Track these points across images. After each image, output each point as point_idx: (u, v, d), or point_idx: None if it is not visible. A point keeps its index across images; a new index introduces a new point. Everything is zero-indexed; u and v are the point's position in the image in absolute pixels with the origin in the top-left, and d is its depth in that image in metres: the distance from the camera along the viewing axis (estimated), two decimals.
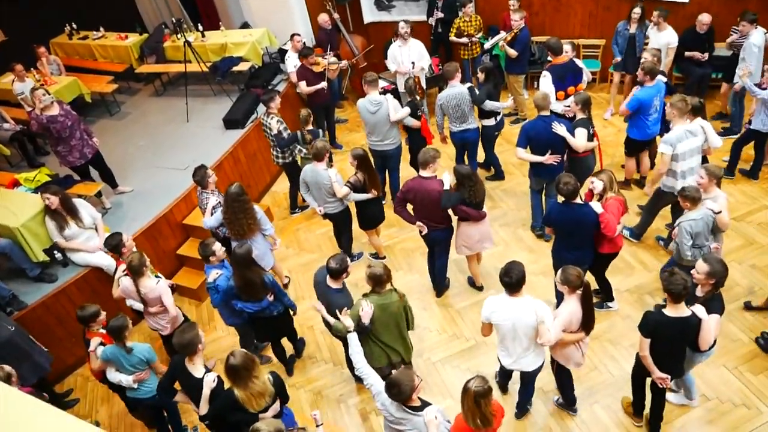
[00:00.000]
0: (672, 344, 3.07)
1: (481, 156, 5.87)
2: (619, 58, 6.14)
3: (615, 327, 4.26)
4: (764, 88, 4.78)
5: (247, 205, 4.22)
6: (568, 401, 3.71)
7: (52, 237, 4.55)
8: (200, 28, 7.61)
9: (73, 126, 5.10)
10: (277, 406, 3.05)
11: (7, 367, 3.31)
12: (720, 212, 3.65)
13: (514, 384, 3.77)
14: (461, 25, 6.69)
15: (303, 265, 5.39)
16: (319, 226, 5.83)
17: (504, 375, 3.78)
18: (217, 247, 3.88)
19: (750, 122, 5.06)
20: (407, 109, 5.21)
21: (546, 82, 5.17)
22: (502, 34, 6.35)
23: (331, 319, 3.32)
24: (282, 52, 7.15)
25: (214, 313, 5.15)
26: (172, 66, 7.55)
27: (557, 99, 5.13)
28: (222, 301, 3.88)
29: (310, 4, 7.60)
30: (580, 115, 4.56)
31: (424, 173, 4.14)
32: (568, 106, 4.89)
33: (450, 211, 4.22)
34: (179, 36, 7.04)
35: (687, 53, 5.94)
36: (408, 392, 2.64)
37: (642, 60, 5.00)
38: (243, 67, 7.05)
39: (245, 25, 8.03)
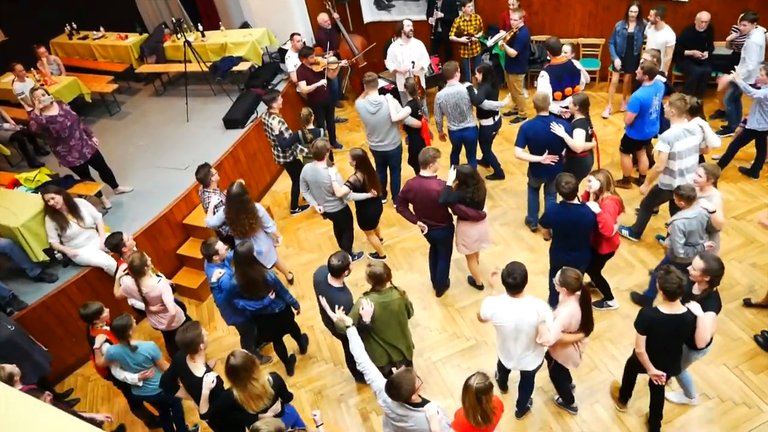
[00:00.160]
0: (667, 341, 3.08)
1: (479, 154, 5.88)
2: (618, 62, 6.12)
3: (615, 326, 4.26)
4: (758, 88, 4.79)
5: (249, 204, 4.24)
6: (566, 399, 3.71)
7: (48, 238, 4.54)
8: (200, 27, 7.61)
9: (72, 126, 5.10)
10: (277, 406, 3.06)
11: (9, 367, 3.32)
12: (714, 211, 3.66)
13: (514, 383, 3.77)
14: (461, 25, 6.69)
15: (303, 265, 5.39)
16: (320, 226, 5.83)
17: (503, 370, 3.79)
18: (220, 246, 3.91)
19: (745, 122, 5.07)
20: (408, 109, 5.21)
21: (543, 82, 5.18)
22: (502, 33, 6.35)
23: (333, 315, 3.32)
24: (282, 52, 7.15)
25: (215, 312, 5.16)
26: (172, 66, 7.55)
27: (554, 99, 5.13)
28: (225, 300, 3.90)
29: (309, 3, 7.60)
30: (578, 116, 4.56)
31: (424, 173, 4.15)
32: (565, 107, 4.89)
33: (449, 210, 4.23)
34: (179, 36, 7.04)
35: (687, 52, 5.94)
36: (407, 394, 2.65)
37: (642, 60, 5.00)
38: (243, 66, 7.06)
39: (245, 25, 8.03)
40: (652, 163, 5.32)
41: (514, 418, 3.78)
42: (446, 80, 5.17)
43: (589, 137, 4.56)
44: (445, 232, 4.33)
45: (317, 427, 2.93)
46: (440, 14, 6.92)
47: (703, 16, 5.71)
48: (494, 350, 3.61)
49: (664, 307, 2.99)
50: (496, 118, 5.46)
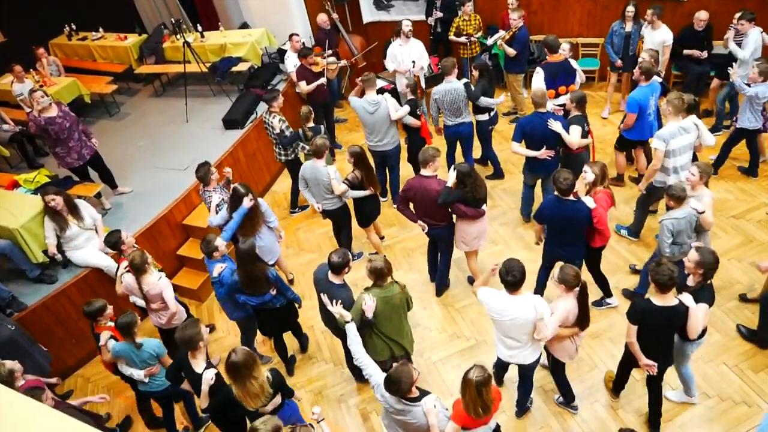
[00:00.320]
0: (659, 332, 3.12)
1: (477, 153, 5.90)
2: (619, 62, 6.12)
3: (615, 326, 4.26)
4: (750, 86, 4.80)
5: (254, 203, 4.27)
6: (567, 398, 3.72)
7: (45, 238, 4.52)
8: (199, 28, 7.60)
9: (71, 127, 5.09)
10: (277, 400, 3.10)
11: (9, 363, 3.34)
12: (704, 212, 3.68)
13: (513, 383, 3.77)
14: (460, 24, 6.69)
15: (303, 265, 5.39)
16: (319, 226, 5.83)
17: (500, 367, 3.79)
18: (220, 242, 3.95)
19: (736, 120, 5.08)
20: (407, 108, 5.23)
21: (538, 78, 5.21)
22: (502, 32, 6.36)
23: (335, 311, 3.34)
24: (281, 52, 7.15)
25: (215, 313, 5.16)
26: (172, 66, 7.55)
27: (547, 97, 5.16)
28: (226, 295, 3.95)
29: (309, 4, 7.60)
30: (575, 113, 4.59)
31: (424, 172, 4.17)
32: (559, 105, 4.89)
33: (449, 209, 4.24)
34: (178, 36, 7.04)
35: (686, 51, 5.94)
36: (407, 388, 2.69)
37: (640, 60, 5.00)
38: (242, 67, 7.05)
39: (244, 26, 8.03)
40: (650, 161, 5.33)
41: (514, 417, 3.78)
42: (444, 76, 5.19)
43: (585, 134, 4.59)
44: (445, 231, 4.35)
45: (318, 422, 2.95)
46: (439, 14, 6.92)
47: (702, 15, 5.72)
48: (494, 350, 3.60)
49: (656, 298, 3.04)
50: (492, 113, 5.50)
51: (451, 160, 5.71)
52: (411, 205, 4.31)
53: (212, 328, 4.94)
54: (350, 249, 5.15)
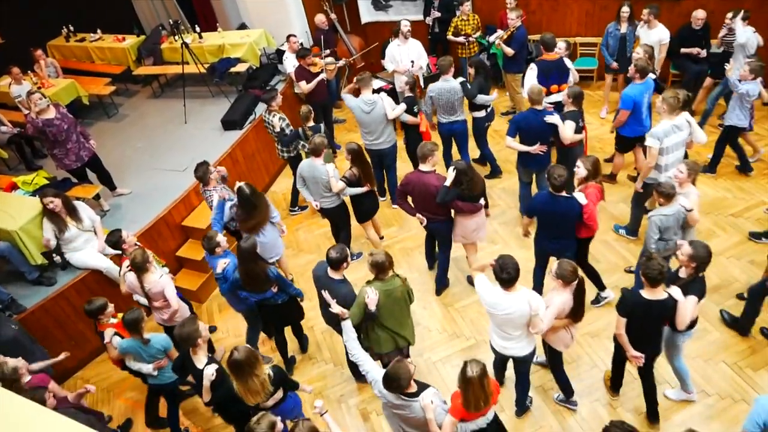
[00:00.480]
0: (648, 324, 3.17)
1: (476, 152, 5.91)
2: (615, 65, 6.14)
3: (614, 324, 4.25)
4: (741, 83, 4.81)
5: (259, 201, 4.32)
6: (566, 393, 3.74)
7: (43, 238, 4.51)
8: (197, 29, 7.60)
9: (69, 129, 5.09)
10: (278, 395, 3.13)
11: (12, 360, 3.35)
12: (692, 210, 3.72)
13: (513, 382, 3.78)
14: (459, 24, 6.69)
15: (302, 266, 5.39)
16: (318, 227, 5.83)
17: (499, 365, 3.80)
18: (221, 238, 3.99)
19: (724, 119, 5.10)
20: (403, 106, 5.27)
21: (531, 74, 5.25)
22: (500, 32, 6.36)
23: (338, 308, 3.35)
24: (280, 53, 7.15)
25: (215, 314, 5.16)
26: (170, 67, 7.55)
27: None
28: (229, 290, 4.01)
29: (307, 4, 7.60)
30: (571, 108, 4.64)
31: (423, 167, 4.21)
32: (550, 104, 4.90)
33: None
34: (176, 38, 7.04)
35: (683, 50, 5.95)
36: (406, 384, 2.74)
37: (635, 54, 5.02)
38: (241, 68, 7.05)
39: (242, 26, 8.03)
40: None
41: (514, 417, 3.78)
42: (441, 75, 5.21)
43: (579, 129, 4.64)
44: (443, 225, 4.40)
45: (321, 416, 2.97)
46: (437, 14, 6.93)
47: (699, 14, 5.73)
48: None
49: (646, 292, 3.08)
50: (488, 110, 5.53)
51: (447, 157, 5.74)
52: (409, 199, 4.36)
53: (212, 329, 4.94)
54: (349, 248, 5.16)
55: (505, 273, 3.05)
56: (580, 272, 3.31)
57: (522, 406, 3.76)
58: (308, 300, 4.73)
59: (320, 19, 6.85)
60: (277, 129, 5.32)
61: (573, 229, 3.91)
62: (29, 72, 6.88)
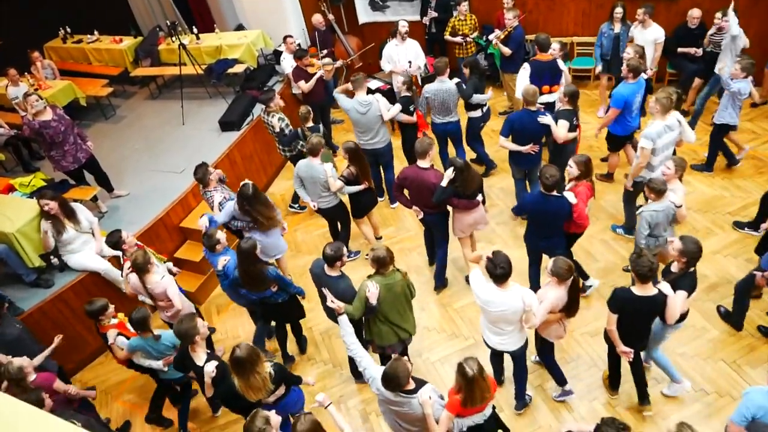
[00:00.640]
0: (638, 320, 3.21)
1: (472, 153, 5.96)
2: (599, 68, 6.21)
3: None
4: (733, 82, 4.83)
5: (262, 198, 4.36)
6: (559, 381, 3.78)
7: (45, 244, 4.51)
8: (195, 30, 7.59)
9: (66, 131, 5.08)
10: (280, 391, 3.16)
11: (17, 360, 3.36)
12: (681, 206, 3.78)
13: (511, 382, 3.79)
14: (456, 24, 6.70)
15: (301, 267, 5.37)
16: (317, 228, 5.83)
17: (496, 363, 3.82)
18: (220, 236, 4.02)
19: (714, 118, 5.12)
20: (398, 106, 5.30)
21: (524, 74, 5.28)
22: (497, 32, 6.37)
23: (335, 304, 3.37)
24: (277, 54, 7.14)
25: (213, 316, 5.16)
26: (167, 69, 7.54)
27: None
28: (230, 287, 4.05)
29: (304, 5, 7.60)
30: (565, 107, 4.67)
31: (421, 163, 4.24)
32: (541, 104, 4.92)
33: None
34: (174, 39, 7.03)
35: (680, 49, 5.96)
36: (405, 382, 2.76)
37: (625, 54, 5.03)
38: (238, 69, 7.05)
39: (240, 27, 8.02)
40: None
41: (514, 416, 3.78)
42: (437, 76, 5.24)
43: (573, 128, 4.68)
44: (439, 218, 4.46)
45: (325, 407, 2.99)
46: (434, 14, 6.93)
47: (695, 13, 5.74)
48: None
49: (637, 288, 3.12)
50: (484, 109, 5.56)
51: (444, 156, 5.76)
52: (406, 192, 4.42)
53: (211, 331, 4.93)
54: (348, 246, 5.16)
55: (499, 269, 3.08)
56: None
57: (521, 399, 3.78)
58: (306, 301, 4.72)
59: (317, 19, 6.84)
60: (277, 129, 5.32)
61: (563, 227, 3.97)
62: (26, 74, 6.86)
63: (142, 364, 3.71)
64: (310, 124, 5.28)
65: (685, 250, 3.18)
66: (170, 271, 4.52)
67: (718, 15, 5.47)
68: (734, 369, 3.81)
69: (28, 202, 4.93)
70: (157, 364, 3.66)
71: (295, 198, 6.05)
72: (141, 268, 3.85)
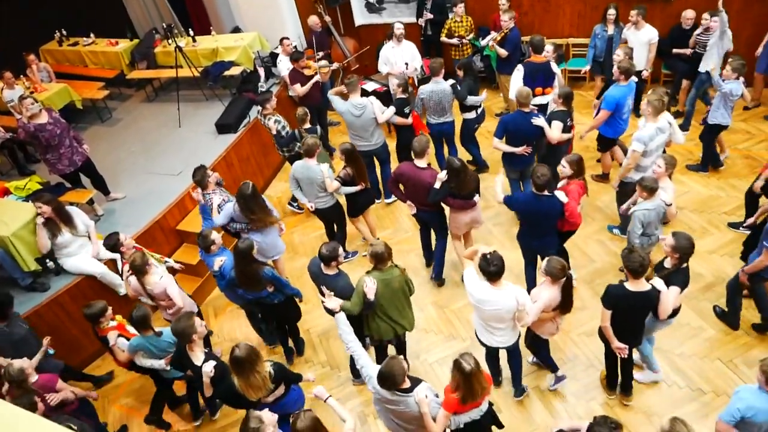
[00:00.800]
0: (632, 316, 3.24)
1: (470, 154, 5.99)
2: (588, 67, 6.25)
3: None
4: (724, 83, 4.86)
5: (260, 199, 4.37)
6: (549, 366, 3.82)
7: (40, 243, 4.49)
8: (191, 33, 7.58)
9: (62, 134, 5.06)
10: (279, 391, 3.16)
11: (17, 362, 3.35)
12: (671, 204, 3.82)
13: (508, 382, 3.80)
14: (452, 26, 6.72)
15: (298, 269, 5.37)
16: (314, 229, 5.82)
17: (491, 360, 3.82)
18: (215, 236, 4.02)
19: (706, 119, 5.15)
20: (392, 109, 5.31)
21: (518, 75, 5.30)
22: (493, 34, 6.39)
23: (332, 303, 3.37)
24: (273, 56, 7.15)
25: (210, 319, 5.14)
26: (164, 71, 7.52)
27: None
28: (227, 287, 4.06)
29: (300, 7, 7.61)
30: (559, 108, 4.70)
31: (419, 162, 4.28)
32: (534, 106, 4.95)
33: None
34: (170, 41, 7.02)
35: (675, 50, 5.99)
36: (401, 380, 2.77)
37: (616, 56, 5.06)
38: (235, 71, 7.04)
39: (236, 30, 8.02)
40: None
41: (511, 417, 3.79)
42: (432, 77, 5.26)
43: (567, 129, 4.70)
44: (432, 215, 4.50)
45: (324, 401, 3.00)
46: (430, 16, 6.95)
47: (689, 14, 5.78)
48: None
49: (630, 284, 3.15)
50: (479, 110, 5.58)
51: (440, 157, 5.79)
52: (402, 187, 4.46)
53: (209, 333, 4.92)
54: (344, 247, 5.17)
55: (493, 266, 3.10)
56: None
57: (518, 386, 3.82)
58: (303, 303, 4.72)
59: (314, 20, 6.85)
60: (273, 132, 5.33)
61: (555, 226, 4.00)
62: (22, 76, 6.84)
63: (143, 365, 3.70)
64: (307, 125, 5.29)
65: (677, 246, 3.21)
66: (173, 269, 4.54)
67: (706, 15, 5.50)
68: (731, 368, 3.83)
69: (24, 205, 4.91)
70: (159, 364, 3.65)
71: (294, 197, 6.06)
72: (139, 270, 3.86)
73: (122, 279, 4.44)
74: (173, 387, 4.16)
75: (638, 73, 5.69)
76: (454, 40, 6.73)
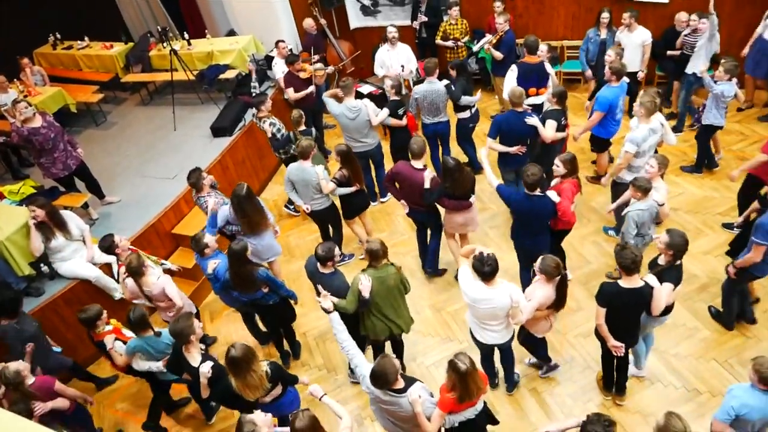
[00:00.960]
0: (626, 314, 3.26)
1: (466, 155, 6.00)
2: (589, 72, 6.25)
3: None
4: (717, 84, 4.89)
5: (255, 201, 4.37)
6: (544, 360, 3.85)
7: (32, 245, 4.45)
8: (186, 36, 7.57)
9: (56, 138, 5.04)
10: (276, 391, 3.16)
11: (13, 364, 3.34)
12: (663, 204, 3.85)
13: (503, 383, 3.80)
14: (447, 29, 6.74)
15: (294, 272, 5.36)
16: (309, 232, 5.81)
17: (486, 360, 3.82)
18: (209, 239, 4.01)
19: (698, 119, 5.18)
20: (386, 111, 5.32)
21: (511, 75, 5.34)
22: (488, 37, 6.42)
23: (326, 303, 3.35)
24: (269, 59, 7.14)
25: (206, 323, 5.12)
26: (159, 75, 7.50)
27: None
28: (221, 289, 4.05)
29: (296, 10, 7.61)
30: (554, 107, 4.72)
31: (416, 164, 4.30)
32: (527, 106, 4.98)
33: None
34: (165, 44, 7.01)
35: (669, 52, 6.03)
36: (393, 380, 2.77)
37: (607, 57, 5.10)
38: (230, 74, 7.04)
39: (231, 33, 8.01)
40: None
41: (508, 417, 3.79)
42: (426, 77, 5.28)
43: (562, 128, 4.72)
44: (426, 215, 4.52)
45: (319, 399, 2.99)
46: (424, 18, 6.96)
47: (682, 17, 5.81)
48: None
49: (623, 281, 3.17)
50: (473, 110, 5.60)
51: (435, 159, 5.80)
52: (397, 185, 4.49)
53: (213, 340, 4.91)
54: (341, 249, 5.17)
55: (487, 266, 3.12)
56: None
57: (511, 381, 3.86)
58: (299, 306, 4.71)
59: (309, 23, 6.86)
60: (268, 134, 5.33)
61: (548, 225, 4.03)
62: (15, 80, 6.81)
63: (141, 368, 3.67)
64: (303, 128, 5.30)
65: (671, 243, 3.22)
66: (170, 270, 4.52)
67: (694, 17, 5.54)
68: (726, 368, 3.84)
69: (18, 209, 4.87)
70: (157, 366, 3.62)
71: (291, 200, 6.06)
72: (136, 272, 3.84)
73: (118, 282, 4.43)
74: (170, 392, 4.14)
75: (633, 75, 5.73)
76: (449, 43, 6.76)
